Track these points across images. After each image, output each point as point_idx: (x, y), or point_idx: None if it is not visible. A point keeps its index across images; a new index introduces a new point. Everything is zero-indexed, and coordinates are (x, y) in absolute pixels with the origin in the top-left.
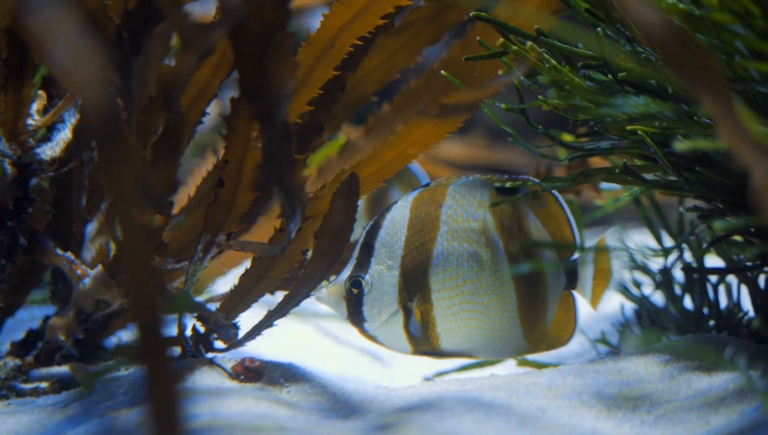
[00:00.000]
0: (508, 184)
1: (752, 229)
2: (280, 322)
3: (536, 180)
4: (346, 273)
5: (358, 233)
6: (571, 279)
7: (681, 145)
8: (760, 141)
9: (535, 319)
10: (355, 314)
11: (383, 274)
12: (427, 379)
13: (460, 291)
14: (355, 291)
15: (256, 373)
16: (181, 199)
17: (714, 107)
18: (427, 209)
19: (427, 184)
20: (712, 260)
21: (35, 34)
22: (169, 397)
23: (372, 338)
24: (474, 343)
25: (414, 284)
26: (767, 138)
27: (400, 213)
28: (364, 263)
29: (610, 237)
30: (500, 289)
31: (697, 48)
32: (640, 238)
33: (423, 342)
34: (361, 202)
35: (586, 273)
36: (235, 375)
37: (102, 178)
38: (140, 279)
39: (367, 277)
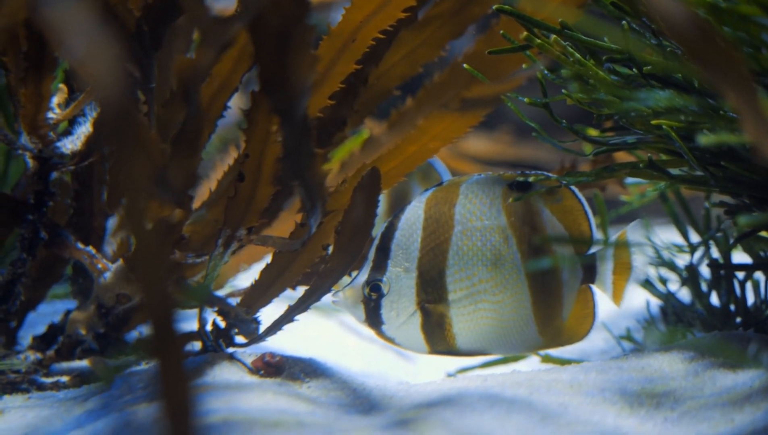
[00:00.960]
0: (531, 179)
1: None
2: (303, 318)
3: (551, 175)
4: (363, 276)
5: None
6: (589, 273)
7: (705, 140)
8: None
9: (550, 314)
10: (374, 317)
11: (401, 277)
12: (450, 375)
13: (476, 290)
14: (373, 295)
15: (276, 368)
16: (204, 193)
17: (738, 101)
18: (440, 209)
19: (440, 184)
20: (741, 256)
21: (50, 26)
22: (182, 393)
23: (390, 340)
24: (489, 340)
25: (431, 285)
26: None
27: (414, 214)
28: (380, 266)
29: (631, 231)
30: (514, 286)
31: (721, 41)
32: (667, 235)
33: (440, 342)
34: (383, 199)
35: (606, 268)
36: (255, 370)
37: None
38: (153, 274)
39: (385, 279)
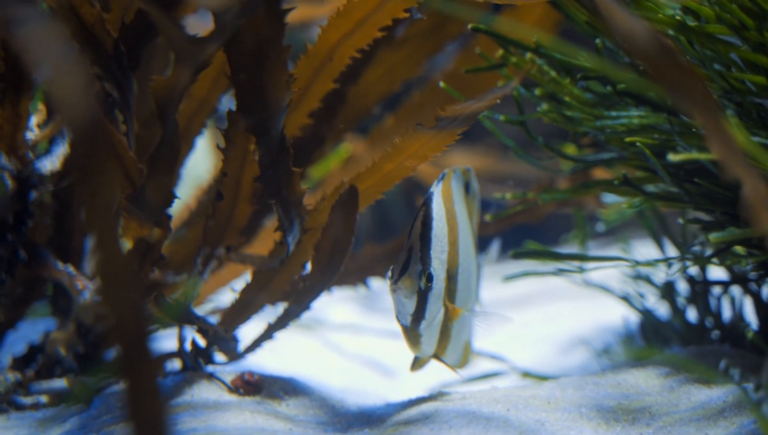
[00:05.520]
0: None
1: (752, 240)
2: (286, 336)
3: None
4: (416, 265)
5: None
6: None
7: (674, 157)
8: (751, 153)
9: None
10: (419, 311)
11: (439, 270)
12: (432, 392)
13: (464, 293)
14: (429, 285)
15: (255, 386)
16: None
17: (701, 120)
18: (449, 204)
19: (443, 176)
20: (719, 272)
21: (23, 47)
22: (155, 418)
23: (417, 337)
24: (443, 346)
25: (451, 283)
26: (759, 150)
27: (439, 205)
28: (426, 256)
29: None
30: (464, 290)
31: (682, 60)
32: (648, 250)
33: (439, 345)
34: None
35: None
36: (234, 388)
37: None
38: (120, 294)
39: (432, 270)
